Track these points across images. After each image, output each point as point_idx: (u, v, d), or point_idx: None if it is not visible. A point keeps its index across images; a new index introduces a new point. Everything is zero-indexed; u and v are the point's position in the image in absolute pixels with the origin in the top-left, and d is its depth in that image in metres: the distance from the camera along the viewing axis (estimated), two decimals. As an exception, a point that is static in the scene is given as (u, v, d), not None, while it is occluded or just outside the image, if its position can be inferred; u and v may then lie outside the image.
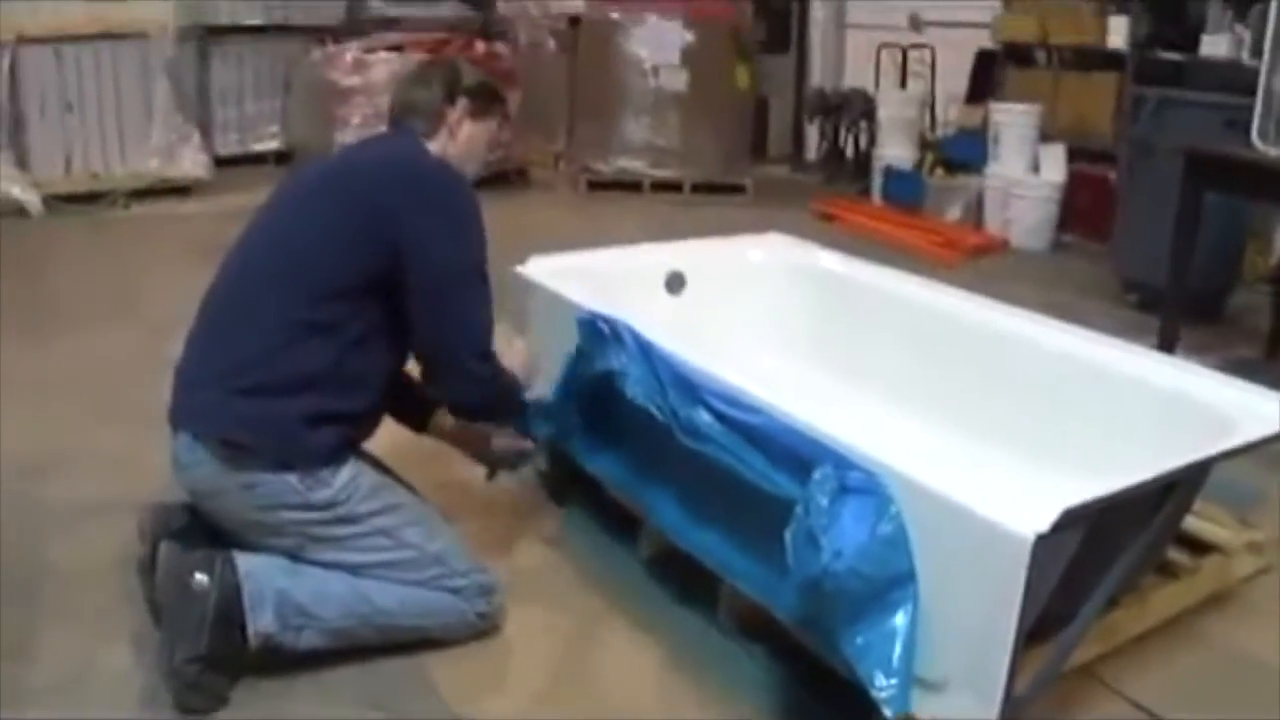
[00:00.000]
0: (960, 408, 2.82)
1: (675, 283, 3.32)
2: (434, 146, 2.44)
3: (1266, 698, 2.34)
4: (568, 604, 2.58)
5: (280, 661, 2.23)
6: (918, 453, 1.98)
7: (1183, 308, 4.15)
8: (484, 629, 2.39)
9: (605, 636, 2.47)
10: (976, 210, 6.55)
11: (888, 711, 1.87)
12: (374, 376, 2.33)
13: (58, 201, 6.00)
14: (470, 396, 2.43)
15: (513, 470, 2.83)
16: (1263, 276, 5.24)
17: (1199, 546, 2.62)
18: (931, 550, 1.89)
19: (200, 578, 2.15)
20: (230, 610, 2.14)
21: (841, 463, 1.97)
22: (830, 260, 3.45)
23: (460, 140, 2.47)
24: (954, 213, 6.60)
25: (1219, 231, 4.39)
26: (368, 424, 2.40)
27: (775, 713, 2.25)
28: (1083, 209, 6.23)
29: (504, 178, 7.10)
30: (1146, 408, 2.42)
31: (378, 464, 2.42)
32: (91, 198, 6.12)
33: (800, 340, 3.35)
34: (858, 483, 1.94)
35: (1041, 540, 1.72)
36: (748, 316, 3.37)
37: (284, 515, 2.21)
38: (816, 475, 1.96)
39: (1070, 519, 1.76)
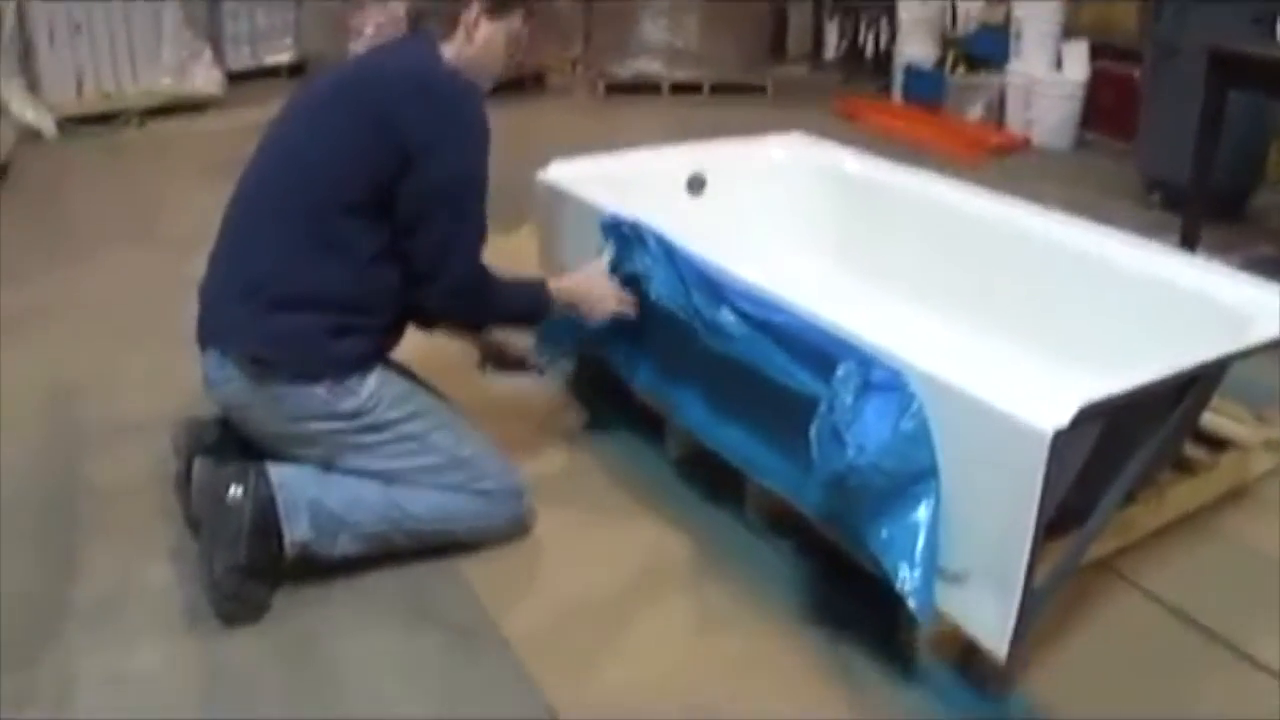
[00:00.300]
0: (982, 306, 2.84)
1: (696, 184, 3.32)
2: (450, 50, 2.38)
3: (1272, 588, 2.39)
4: (597, 504, 2.65)
5: (316, 569, 2.30)
6: (940, 350, 2.01)
7: (1205, 207, 4.14)
8: (514, 531, 2.45)
9: (634, 535, 2.54)
10: (998, 109, 6.48)
11: (912, 603, 1.93)
12: (393, 293, 2.34)
13: (71, 124, 5.97)
14: (458, 308, 2.43)
15: (503, 370, 2.84)
16: (1286, 175, 5.20)
17: (1216, 443, 2.65)
18: (953, 445, 1.93)
19: (235, 490, 2.20)
20: (266, 520, 2.20)
21: (865, 360, 2.01)
22: (853, 160, 3.44)
23: (478, 42, 2.40)
24: (975, 111, 6.53)
25: (1243, 131, 4.35)
26: (392, 335, 2.42)
27: (804, 607, 2.31)
28: (1106, 107, 6.15)
29: (520, 84, 7.05)
30: (1167, 306, 2.43)
31: (404, 371, 2.45)
32: (105, 118, 6.09)
33: (823, 240, 3.37)
34: (881, 379, 1.98)
35: (1060, 435, 1.75)
36: (771, 217, 3.37)
37: (313, 425, 2.25)
38: (840, 372, 2.00)
39: (1089, 414, 1.79)
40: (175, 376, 2.90)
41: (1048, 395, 1.82)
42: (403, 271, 2.33)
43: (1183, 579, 2.39)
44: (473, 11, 2.39)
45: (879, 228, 3.25)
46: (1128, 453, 2.07)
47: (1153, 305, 2.46)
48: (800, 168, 3.47)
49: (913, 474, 1.94)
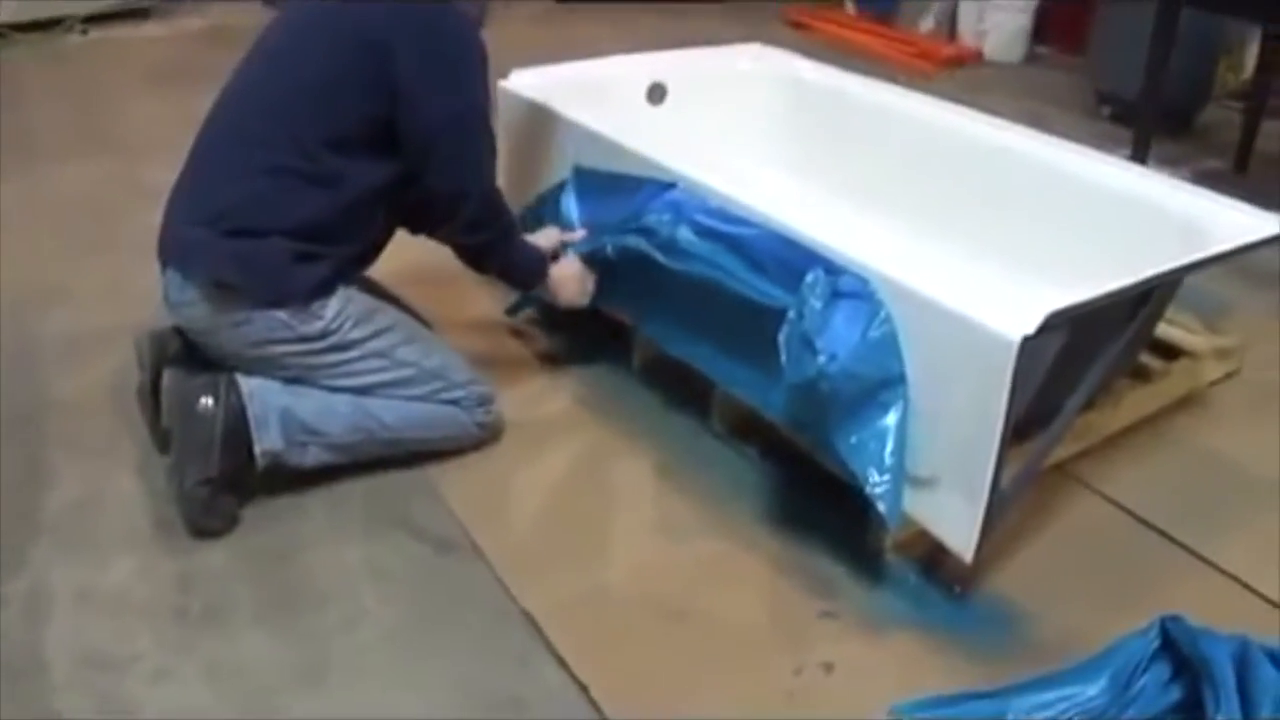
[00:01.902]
0: (944, 216, 2.86)
1: (656, 93, 3.31)
2: None
3: (1234, 492, 2.48)
4: (564, 414, 2.67)
5: (288, 480, 2.30)
6: (905, 259, 2.04)
7: (1155, 121, 4.17)
8: (484, 438, 2.47)
9: (602, 444, 2.57)
10: (950, 21, 6.45)
11: (881, 506, 1.98)
12: (373, 228, 2.32)
13: (11, 30, 5.77)
14: (475, 244, 2.41)
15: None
16: (1233, 93, 5.25)
17: (1170, 352, 2.73)
18: (921, 352, 1.97)
19: (205, 401, 2.19)
20: (237, 431, 2.19)
21: (833, 268, 2.04)
22: (815, 71, 3.43)
23: None
24: (927, 23, 6.50)
25: (1192, 47, 4.37)
26: (362, 263, 2.39)
27: (771, 511, 2.35)
28: (1057, 21, 6.17)
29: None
30: (1123, 217, 2.48)
31: (369, 286, 2.43)
32: (45, 26, 5.90)
33: (785, 151, 3.37)
34: (849, 287, 2.02)
35: (1027, 342, 1.80)
36: (734, 127, 3.37)
37: (278, 349, 2.23)
38: (808, 279, 2.02)
39: (1054, 322, 1.83)
40: (135, 286, 2.86)
41: (1014, 303, 1.86)
42: (396, 208, 2.31)
43: (1139, 483, 2.46)
44: None
45: (842, 139, 3.26)
46: (1088, 360, 2.12)
47: (1109, 217, 2.51)
48: (763, 78, 3.46)
49: (881, 380, 1.98)
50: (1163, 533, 2.34)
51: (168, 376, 2.26)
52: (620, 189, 2.55)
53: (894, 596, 2.14)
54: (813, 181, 3.22)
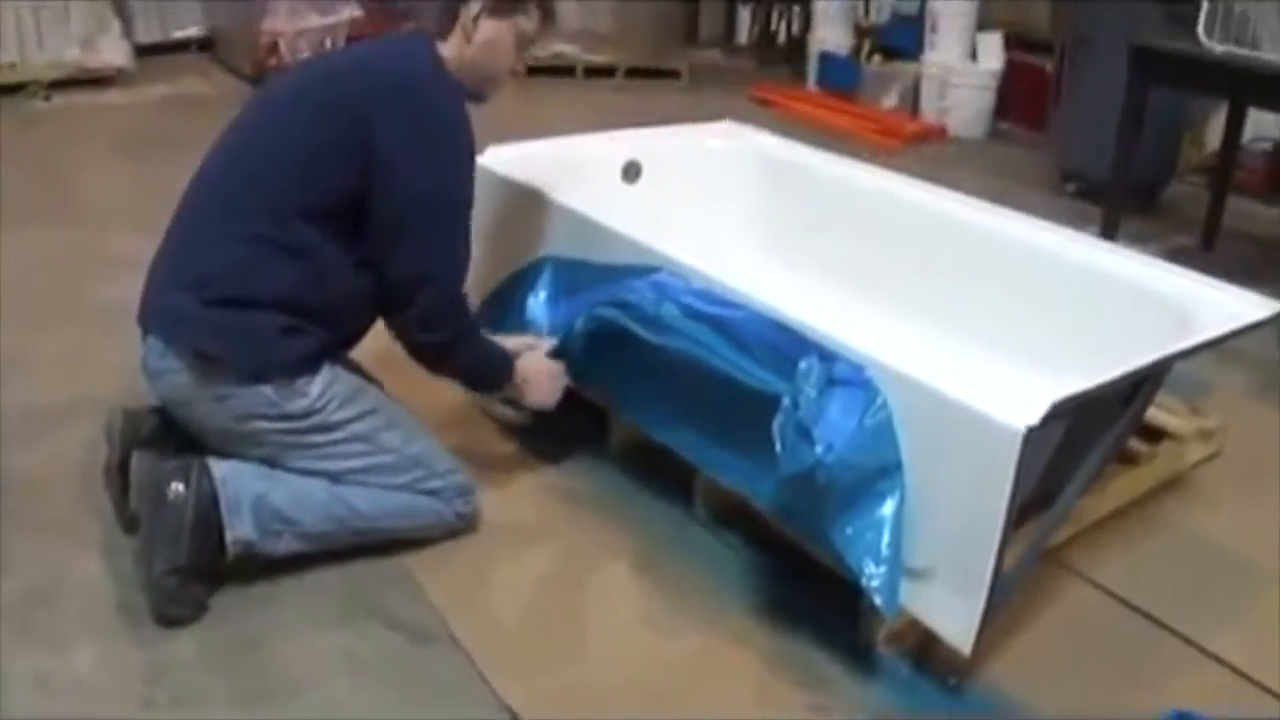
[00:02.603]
0: (927, 300, 2.84)
1: (631, 171, 3.29)
2: (448, 50, 2.26)
3: (1225, 577, 2.46)
4: (541, 500, 2.59)
5: (258, 566, 2.21)
6: (899, 344, 2.01)
7: (1123, 198, 4.22)
8: (461, 528, 2.39)
9: (581, 531, 2.49)
10: (913, 98, 6.54)
11: (878, 599, 1.93)
12: (358, 305, 2.25)
13: (-26, 96, 5.70)
14: (425, 343, 2.27)
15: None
16: (1196, 168, 5.35)
17: (1152, 434, 2.71)
18: (919, 441, 1.93)
19: (177, 486, 2.11)
20: (208, 518, 2.11)
21: (827, 355, 2.00)
22: (787, 148, 3.43)
23: (478, 42, 2.25)
24: (890, 100, 6.58)
25: (1158, 124, 4.44)
26: (350, 340, 2.33)
27: (758, 601, 2.29)
28: (1019, 98, 6.27)
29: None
30: (1111, 300, 2.46)
31: (351, 366, 2.36)
32: (9, 90, 5.82)
33: (759, 229, 3.34)
34: (843, 374, 1.97)
35: (1032, 432, 1.76)
36: (707, 205, 3.34)
37: (259, 425, 2.16)
38: (802, 366, 1.98)
39: (1058, 411, 1.80)
40: (97, 359, 2.80)
41: (1013, 391, 1.83)
42: (376, 288, 2.23)
43: (1129, 569, 2.43)
44: (473, 8, 2.24)
45: (815, 217, 3.24)
46: (1086, 445, 2.09)
47: (1096, 298, 2.50)
48: (736, 156, 3.45)
49: (878, 469, 1.94)
50: (1156, 620, 2.30)
51: (137, 459, 2.18)
52: (600, 280, 2.49)
53: (887, 689, 2.08)
54: (787, 260, 3.20)
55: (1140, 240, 4.21)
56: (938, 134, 6.25)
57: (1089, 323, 2.45)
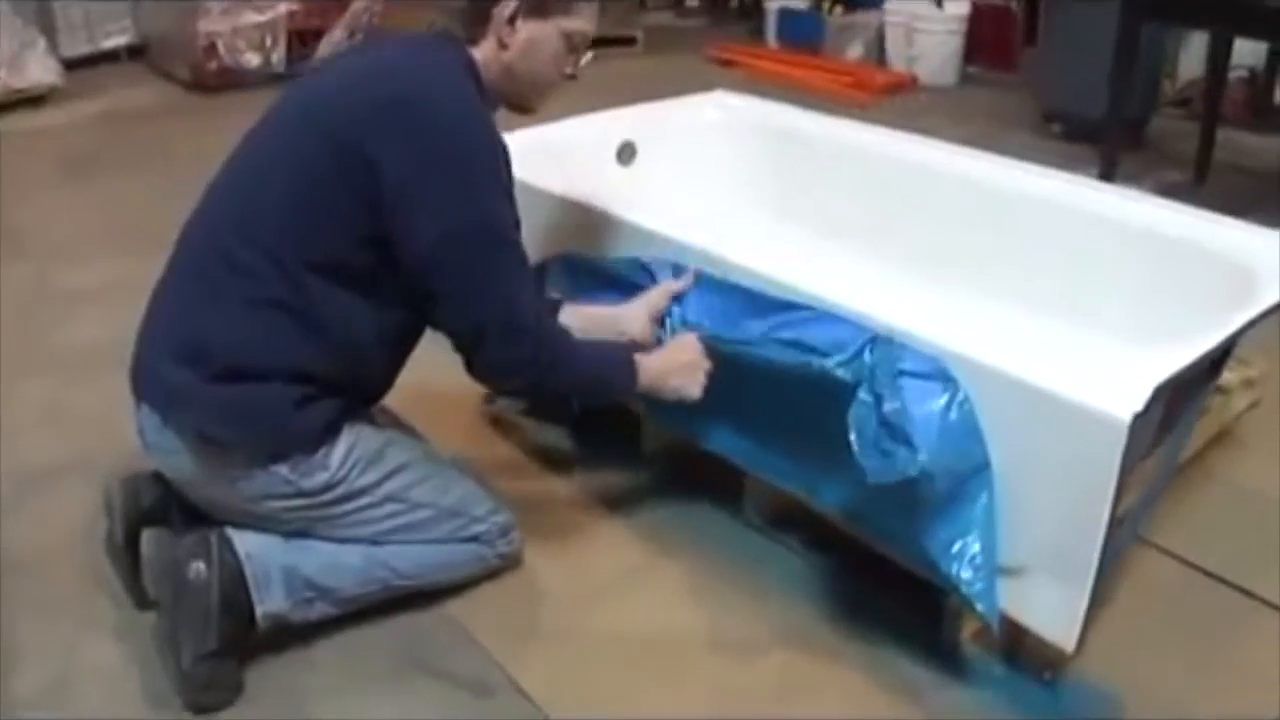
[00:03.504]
0: (953, 261, 2.66)
1: (626, 153, 3.11)
2: (482, 55, 1.96)
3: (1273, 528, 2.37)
4: (580, 522, 2.42)
5: (293, 630, 2.02)
6: (974, 329, 1.86)
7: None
8: (506, 569, 2.21)
9: (627, 552, 2.33)
10: (878, 48, 6.38)
11: (979, 606, 1.80)
12: (383, 362, 2.02)
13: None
14: (515, 381, 2.03)
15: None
16: (1170, 100, 5.28)
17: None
18: (1007, 435, 1.78)
19: (198, 566, 1.88)
20: (235, 595, 1.90)
21: (887, 342, 1.85)
22: (788, 114, 3.25)
23: (516, 47, 1.95)
24: (855, 51, 6.42)
25: (1139, 60, 4.34)
26: (375, 397, 2.10)
27: (831, 610, 2.15)
28: (987, 41, 6.14)
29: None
30: (1164, 260, 2.31)
31: (373, 415, 2.11)
32: (-57, 114, 5.52)
33: (769, 199, 3.15)
34: (915, 366, 1.82)
35: (1137, 419, 1.63)
36: (711, 180, 3.16)
37: (276, 504, 1.93)
38: (868, 359, 1.83)
39: (1159, 394, 1.66)
40: (74, 411, 2.57)
41: (1104, 373, 1.69)
42: (411, 333, 2.01)
43: (1191, 531, 2.33)
44: (508, 8, 1.93)
45: (825, 183, 3.07)
46: (1175, 421, 1.96)
47: (1149, 257, 2.35)
48: (734, 127, 3.27)
49: (968, 470, 1.79)
50: (1237, 586, 2.20)
51: (150, 539, 1.98)
52: (617, 280, 2.31)
53: (984, 690, 1.96)
54: (804, 230, 3.02)
55: (1133, 178, 4.13)
56: (909, 83, 6.10)
57: (1145, 283, 2.31)
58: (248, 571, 1.91)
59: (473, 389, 2.28)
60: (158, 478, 2.06)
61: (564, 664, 2.04)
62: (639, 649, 2.08)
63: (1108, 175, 3.97)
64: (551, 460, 2.65)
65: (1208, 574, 2.24)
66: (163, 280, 2.00)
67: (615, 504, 2.48)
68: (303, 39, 6.17)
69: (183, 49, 6.07)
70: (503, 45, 1.96)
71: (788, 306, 2.00)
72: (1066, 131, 4.93)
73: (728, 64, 6.54)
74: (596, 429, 2.67)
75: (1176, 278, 2.25)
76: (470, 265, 1.84)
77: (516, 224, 1.92)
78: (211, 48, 5.96)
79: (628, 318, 2.19)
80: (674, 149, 3.17)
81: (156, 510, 2.06)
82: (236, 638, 1.92)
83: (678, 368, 2.07)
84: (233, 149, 2.00)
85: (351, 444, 1.94)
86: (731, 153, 3.22)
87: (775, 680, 2.00)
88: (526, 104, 2.07)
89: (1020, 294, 2.49)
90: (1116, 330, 2.14)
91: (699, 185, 3.13)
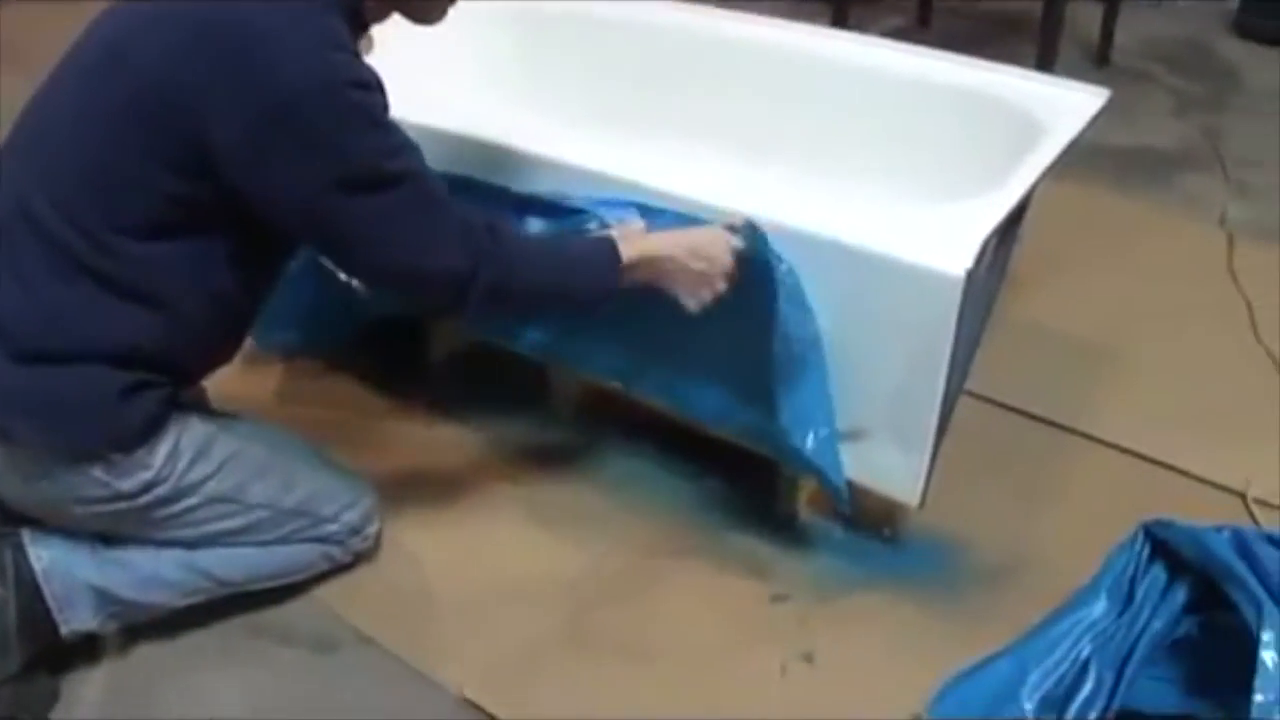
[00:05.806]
0: (731, 132, 2.58)
1: (365, 43, 2.87)
2: None
3: (1072, 362, 2.50)
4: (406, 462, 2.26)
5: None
6: (784, 199, 1.81)
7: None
8: (359, 559, 1.99)
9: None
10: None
11: (829, 476, 1.82)
12: (219, 333, 1.73)
13: None
14: (481, 314, 1.68)
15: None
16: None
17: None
18: (837, 302, 1.75)
19: None
20: (35, 614, 1.68)
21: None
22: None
23: None
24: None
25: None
26: (199, 376, 1.81)
27: (676, 501, 2.12)
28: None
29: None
30: (957, 112, 2.29)
31: (198, 399, 1.86)
32: None
33: (510, 81, 2.95)
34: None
35: (970, 274, 1.65)
36: (450, 66, 2.97)
37: (84, 510, 1.66)
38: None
39: (985, 248, 1.69)
40: None
41: (942, 236, 1.69)
42: (255, 290, 1.72)
43: (986, 370, 2.30)
44: None
45: (586, 65, 2.94)
46: (990, 277, 2.01)
47: (949, 112, 2.30)
48: (482, 12, 3.07)
49: (804, 341, 1.78)
50: (1043, 419, 2.32)
51: None
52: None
53: (831, 557, 1.99)
54: (569, 116, 2.90)
55: (860, 26, 4.14)
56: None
57: (950, 139, 2.27)
58: (47, 592, 1.68)
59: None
60: None
61: (405, 607, 1.94)
62: (480, 579, 1.98)
63: (840, 23, 4.02)
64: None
65: (1019, 412, 2.34)
66: None
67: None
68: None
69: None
70: None
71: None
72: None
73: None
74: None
75: (975, 131, 2.24)
76: (354, 217, 1.53)
77: (399, 147, 1.56)
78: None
79: None
80: (410, 34, 2.94)
81: None
82: (42, 653, 1.72)
83: (686, 276, 1.74)
84: (38, 87, 1.63)
85: (177, 437, 1.67)
86: (467, 36, 3.02)
87: (623, 584, 1.96)
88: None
89: (823, 159, 2.42)
90: (932, 190, 2.12)
91: (446, 72, 2.94)
